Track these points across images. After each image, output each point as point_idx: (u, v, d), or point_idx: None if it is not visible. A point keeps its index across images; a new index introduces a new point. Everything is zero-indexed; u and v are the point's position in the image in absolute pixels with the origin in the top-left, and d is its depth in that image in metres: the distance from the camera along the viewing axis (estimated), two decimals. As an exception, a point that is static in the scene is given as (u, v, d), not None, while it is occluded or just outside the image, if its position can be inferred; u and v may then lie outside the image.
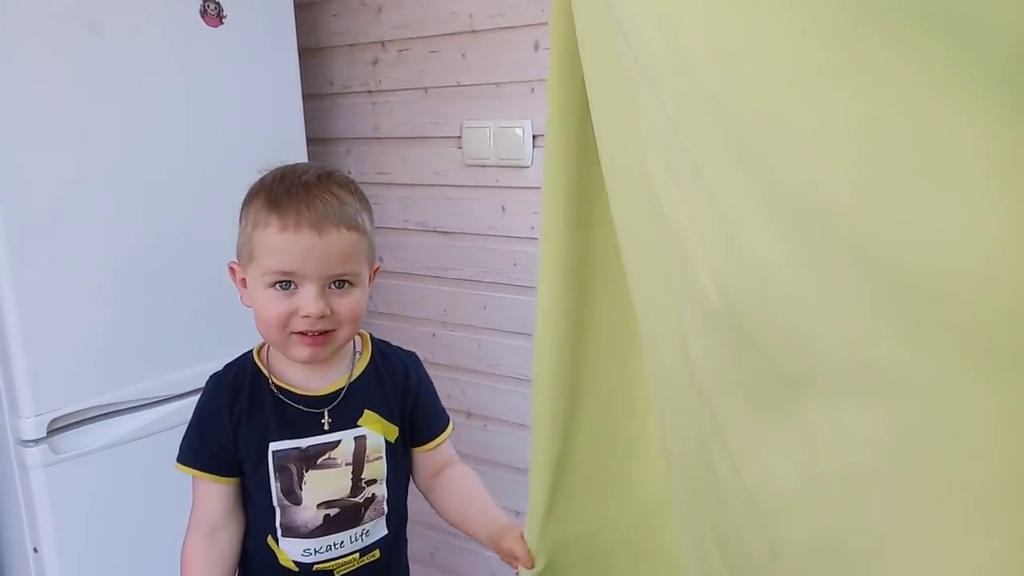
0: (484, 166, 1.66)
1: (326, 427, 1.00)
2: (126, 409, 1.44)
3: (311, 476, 0.99)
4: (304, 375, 1.02)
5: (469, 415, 1.82)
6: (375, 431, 1.02)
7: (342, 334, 0.97)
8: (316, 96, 1.89)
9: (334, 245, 0.92)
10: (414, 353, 1.12)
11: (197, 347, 1.49)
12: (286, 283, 0.93)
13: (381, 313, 1.92)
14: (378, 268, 1.04)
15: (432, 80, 1.70)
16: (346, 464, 1.00)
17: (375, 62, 1.79)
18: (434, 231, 1.77)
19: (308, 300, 0.92)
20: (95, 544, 1.40)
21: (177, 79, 1.48)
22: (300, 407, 1.00)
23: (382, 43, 1.77)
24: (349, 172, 1.88)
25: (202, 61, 1.52)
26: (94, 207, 1.38)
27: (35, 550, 1.36)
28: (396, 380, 1.06)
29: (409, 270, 1.84)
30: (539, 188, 1.59)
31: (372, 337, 1.09)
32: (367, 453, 1.01)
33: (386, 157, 1.82)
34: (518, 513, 1.79)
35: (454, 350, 1.81)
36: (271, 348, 1.02)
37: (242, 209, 0.97)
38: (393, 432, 1.04)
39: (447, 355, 1.82)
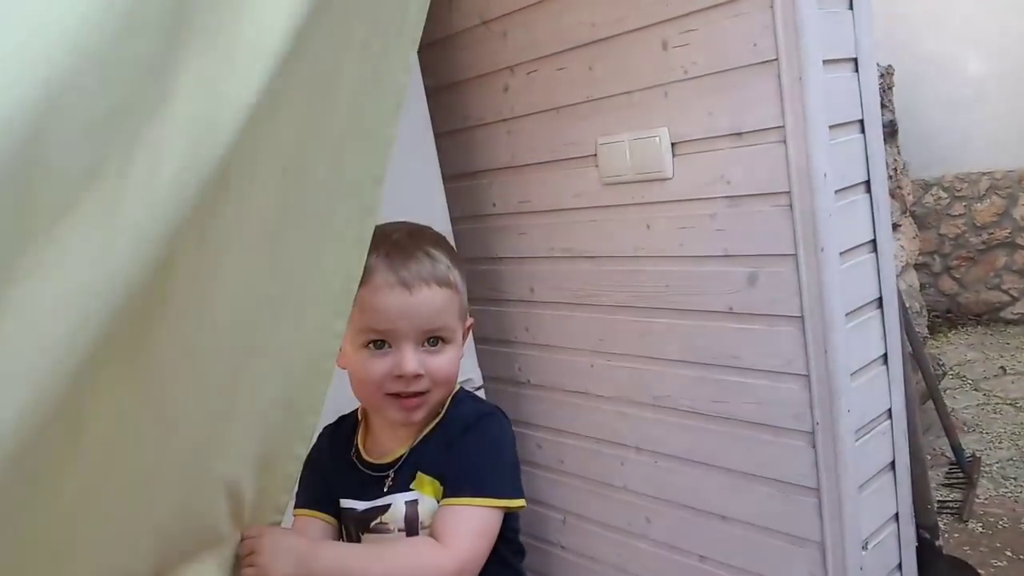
0: (622, 183, 1.53)
1: (385, 489, 0.97)
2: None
3: (367, 540, 0.97)
4: (382, 437, 1.00)
5: (639, 450, 1.69)
6: (428, 494, 0.95)
7: (436, 395, 0.95)
8: (453, 132, 1.86)
9: (425, 302, 0.91)
10: (496, 410, 1.02)
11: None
12: (380, 343, 0.92)
13: (539, 345, 1.84)
14: (472, 325, 1.01)
15: (562, 99, 1.61)
16: (399, 530, 0.95)
17: (506, 89, 1.73)
18: (580, 256, 1.67)
19: (403, 358, 0.91)
20: None
21: None
22: (367, 471, 0.99)
23: (511, 68, 1.70)
24: (494, 204, 1.84)
25: None
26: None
27: None
28: (451, 436, 0.97)
29: (560, 299, 1.75)
30: (684, 201, 1.45)
31: (459, 393, 1.02)
32: (420, 519, 0.95)
33: (526, 184, 1.75)
34: (702, 557, 1.63)
35: (613, 381, 1.68)
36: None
37: None
38: (441, 492, 0.96)
39: (608, 387, 1.70)
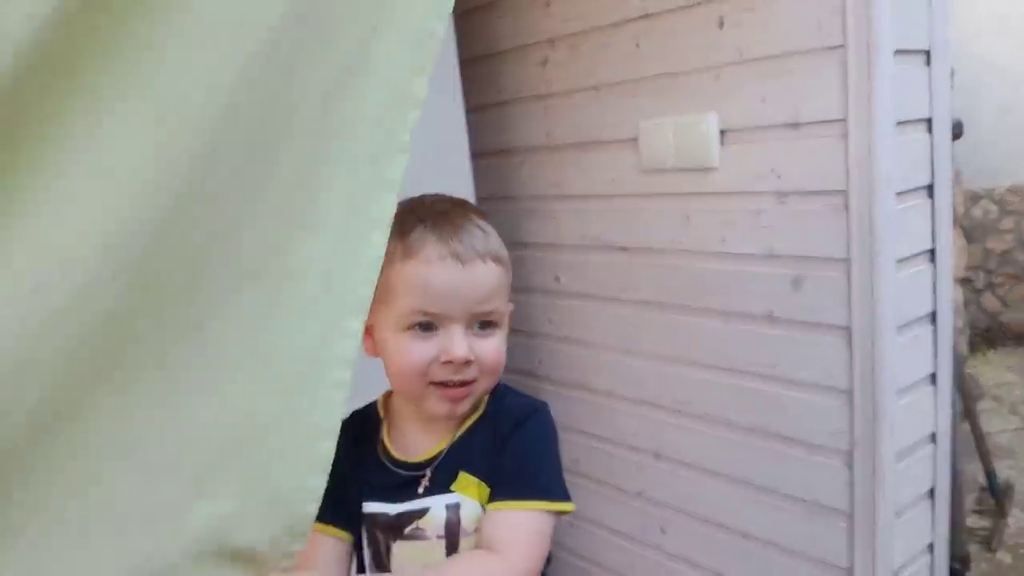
0: (664, 171, 1.43)
1: (421, 491, 0.86)
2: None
3: (398, 548, 0.86)
4: (413, 434, 0.89)
5: (658, 456, 1.59)
6: (472, 497, 0.85)
7: (482, 385, 0.85)
8: (485, 107, 1.77)
9: (480, 279, 0.81)
10: (543, 405, 0.91)
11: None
12: (427, 324, 0.81)
13: (563, 338, 1.75)
14: (512, 310, 0.90)
15: (605, 76, 1.51)
16: (437, 537, 0.85)
17: (544, 63, 1.63)
18: (612, 247, 1.57)
19: (453, 342, 0.80)
20: None
21: None
22: (399, 470, 0.88)
23: (551, 41, 1.60)
24: (523, 185, 1.74)
25: None
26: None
27: None
28: (501, 433, 0.87)
29: (587, 291, 1.65)
30: (729, 193, 1.35)
31: (498, 387, 0.92)
32: (463, 525, 0.84)
33: (560, 167, 1.65)
34: (719, 574, 1.54)
35: (638, 382, 1.59)
36: (393, 399, 0.92)
37: None
38: (487, 494, 0.86)
39: (632, 388, 1.61)
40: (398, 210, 0.81)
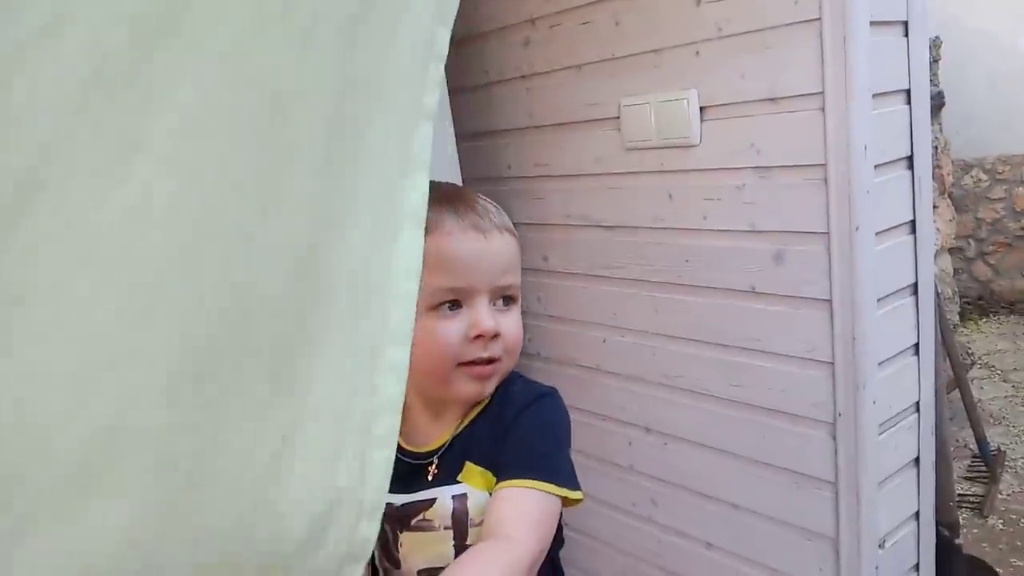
0: (646, 148, 1.43)
1: (430, 478, 0.85)
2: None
3: (406, 538, 0.85)
4: (421, 423, 0.88)
5: (648, 430, 1.61)
6: (478, 487, 0.83)
7: (506, 364, 0.84)
8: (469, 88, 1.77)
9: (501, 250, 0.82)
10: (553, 391, 0.88)
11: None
12: (453, 303, 0.80)
13: (551, 316, 1.77)
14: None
15: (585, 55, 1.51)
16: (444, 528, 0.83)
17: (526, 43, 1.63)
18: (597, 225, 1.58)
19: (480, 315, 0.80)
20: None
21: None
22: (406, 459, 0.85)
23: (532, 21, 1.60)
24: (509, 167, 1.74)
25: None
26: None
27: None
28: (506, 419, 0.84)
29: (574, 269, 1.66)
30: (710, 170, 1.35)
31: (509, 374, 0.89)
32: (471, 515, 0.83)
33: (544, 147, 1.66)
34: (709, 544, 1.57)
35: (625, 358, 1.60)
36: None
37: None
38: (493, 483, 0.84)
39: (620, 364, 1.62)
40: None
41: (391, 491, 0.77)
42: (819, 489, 1.34)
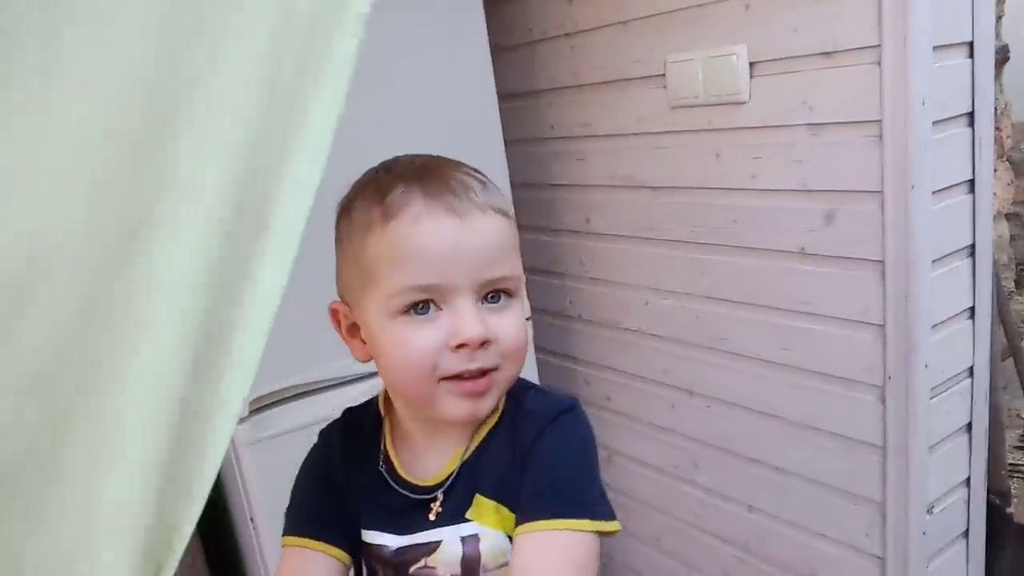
0: (693, 106, 1.40)
1: (433, 516, 0.70)
2: (327, 387, 1.44)
3: None
4: (419, 446, 0.73)
5: (691, 393, 1.60)
6: (491, 526, 0.68)
7: (506, 373, 0.68)
8: (512, 47, 1.74)
9: (484, 235, 0.65)
10: (572, 403, 0.72)
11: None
12: (424, 305, 0.64)
13: (593, 279, 1.76)
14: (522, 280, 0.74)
15: (631, 11, 1.47)
16: None
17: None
18: (641, 186, 1.55)
19: (463, 318, 0.64)
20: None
21: (369, 81, 1.42)
22: (404, 491, 0.72)
23: (577, -24, 1.57)
24: (552, 127, 1.72)
25: (389, 58, 1.44)
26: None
27: (251, 520, 1.42)
28: (522, 443, 0.69)
29: (617, 231, 1.65)
30: (759, 127, 1.32)
31: (518, 384, 0.73)
32: (483, 561, 0.69)
33: (588, 106, 1.63)
34: (751, 507, 1.56)
35: (669, 321, 1.59)
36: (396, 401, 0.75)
37: (337, 228, 0.70)
38: (513, 522, 0.68)
39: (664, 326, 1.61)
40: (370, 175, 0.70)
41: (387, 531, 0.71)
42: (867, 453, 1.32)
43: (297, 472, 0.78)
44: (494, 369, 0.66)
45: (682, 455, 1.67)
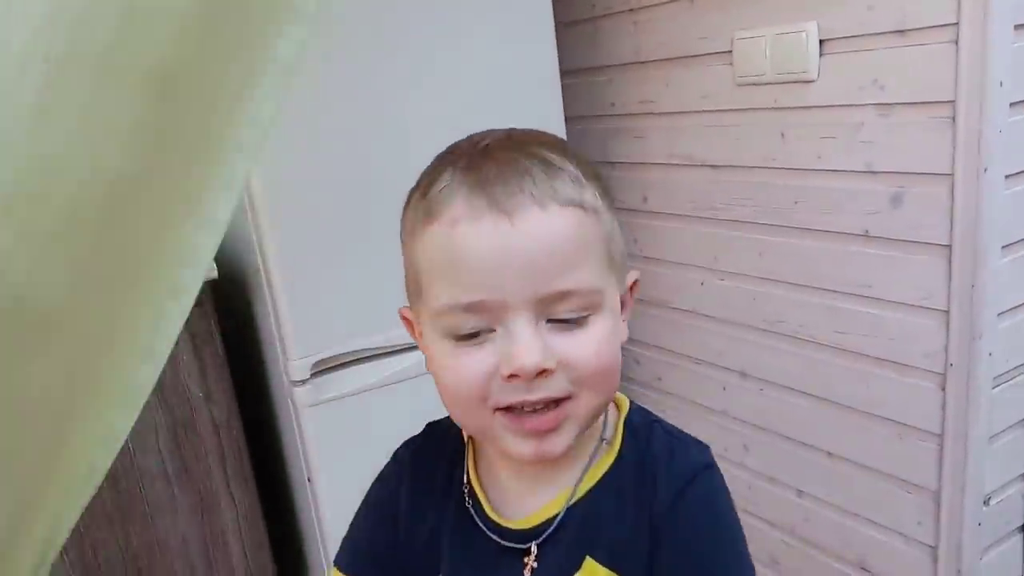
0: (759, 84, 1.38)
1: (527, 574, 0.59)
2: (388, 352, 1.48)
3: None
4: (507, 478, 0.62)
5: (744, 376, 1.60)
6: None
7: (585, 405, 0.55)
8: (576, 22, 1.74)
9: (539, 238, 0.51)
10: (708, 460, 0.61)
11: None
12: (472, 331, 0.53)
13: (647, 258, 1.75)
14: (636, 284, 0.61)
15: (699, -13, 1.46)
16: None
17: (636, -25, 1.58)
18: (702, 165, 1.54)
19: (515, 342, 0.52)
20: (359, 480, 1.47)
21: (433, 55, 1.44)
22: (494, 536, 0.61)
23: (643, -49, 1.55)
24: (612, 104, 1.72)
25: (454, 34, 1.46)
26: (352, 158, 1.40)
27: (308, 480, 1.46)
28: (646, 494, 0.58)
29: (675, 210, 1.64)
30: (827, 107, 1.30)
31: (631, 411, 0.63)
32: None
33: (650, 83, 1.62)
34: (800, 492, 1.55)
35: (724, 302, 1.58)
36: None
37: (402, 222, 0.59)
38: None
39: (718, 308, 1.60)
40: (436, 158, 0.58)
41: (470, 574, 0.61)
42: (923, 441, 1.30)
43: (365, 493, 0.69)
44: (566, 398, 0.54)
45: (732, 437, 1.66)
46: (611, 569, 0.57)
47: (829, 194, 1.33)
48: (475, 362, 0.53)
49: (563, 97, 1.62)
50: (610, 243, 0.56)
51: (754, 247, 1.49)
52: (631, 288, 0.60)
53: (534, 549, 0.59)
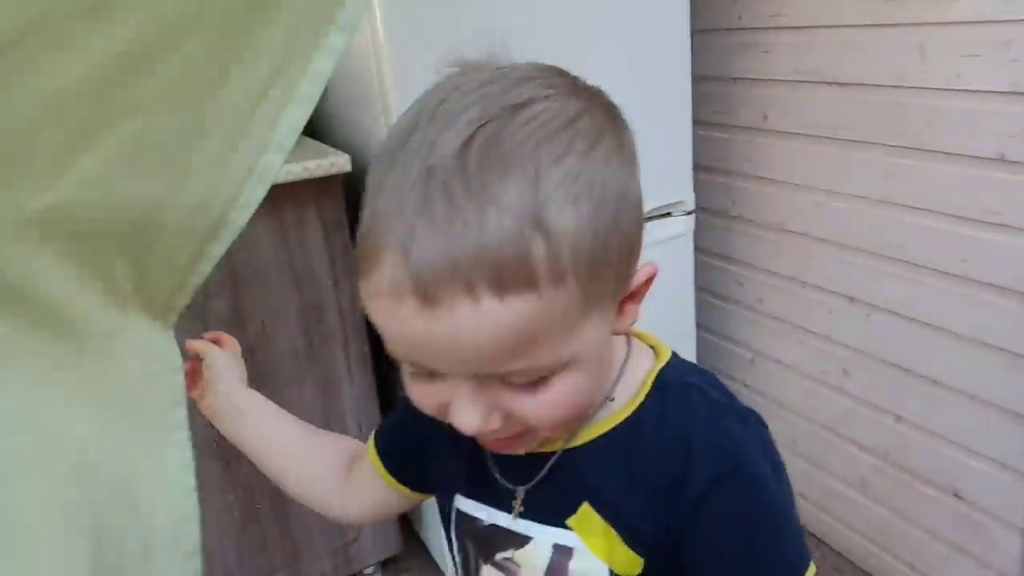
0: (901, -2, 1.34)
1: (518, 508, 0.58)
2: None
3: (487, 572, 0.61)
4: None
5: (852, 300, 1.59)
6: (594, 550, 0.54)
7: (550, 433, 0.52)
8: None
9: (471, 333, 0.42)
10: (748, 427, 0.54)
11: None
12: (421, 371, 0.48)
13: (758, 178, 1.74)
14: (653, 273, 0.50)
15: None
16: None
17: None
18: (830, 83, 1.51)
19: (455, 406, 0.47)
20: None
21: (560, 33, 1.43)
22: (495, 471, 0.59)
23: None
24: (740, 17, 1.68)
25: None
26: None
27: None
28: (668, 466, 0.52)
29: (796, 129, 1.62)
30: (973, 23, 1.25)
31: (668, 366, 0.56)
32: None
33: (781, -4, 1.58)
34: (898, 417, 1.56)
35: (840, 225, 1.57)
36: None
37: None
38: (631, 564, 0.53)
39: (831, 230, 1.59)
40: (400, 123, 0.46)
41: (478, 499, 0.60)
42: (1038, 373, 1.29)
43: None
44: (522, 433, 0.50)
45: (832, 362, 1.67)
46: (609, 521, 0.53)
47: (965, 115, 1.29)
48: (427, 395, 0.49)
49: (691, 8, 1.60)
50: (587, 292, 0.44)
51: (878, 169, 1.46)
52: (649, 280, 0.50)
53: (519, 494, 0.57)
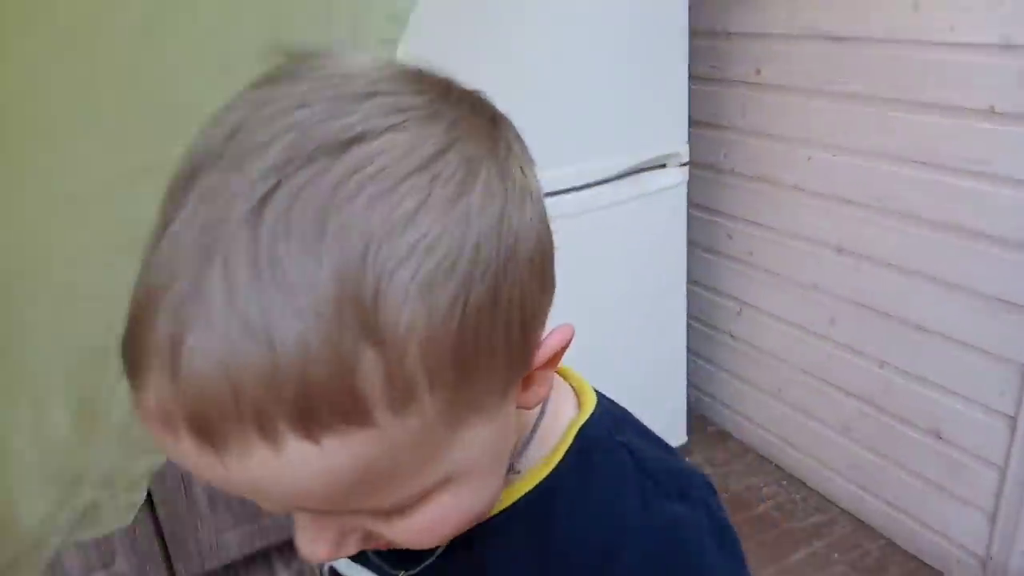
0: (898, -48, 1.37)
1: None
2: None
3: None
4: None
5: (840, 251, 1.64)
6: None
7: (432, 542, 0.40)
8: None
9: (267, 481, 0.29)
10: (691, 490, 0.43)
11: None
12: None
13: (754, 132, 1.78)
14: (568, 342, 0.37)
15: None
16: None
17: None
18: (824, 36, 1.54)
19: (298, 536, 0.36)
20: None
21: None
22: (374, 556, 0.48)
23: None
24: (733, -28, 1.70)
25: None
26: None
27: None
28: (590, 553, 0.41)
29: (789, 83, 1.65)
30: (970, -24, 1.28)
31: (593, 418, 0.44)
32: None
33: (777, -50, 1.60)
34: (882, 363, 1.62)
35: (832, 178, 1.61)
36: None
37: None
38: None
39: (823, 183, 1.64)
40: (185, 165, 0.31)
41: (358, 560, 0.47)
42: (1016, 315, 1.35)
43: None
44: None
45: (819, 311, 1.73)
46: None
47: (957, 68, 1.33)
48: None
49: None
50: (456, 402, 0.31)
51: (870, 122, 1.50)
52: (564, 346, 0.37)
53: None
